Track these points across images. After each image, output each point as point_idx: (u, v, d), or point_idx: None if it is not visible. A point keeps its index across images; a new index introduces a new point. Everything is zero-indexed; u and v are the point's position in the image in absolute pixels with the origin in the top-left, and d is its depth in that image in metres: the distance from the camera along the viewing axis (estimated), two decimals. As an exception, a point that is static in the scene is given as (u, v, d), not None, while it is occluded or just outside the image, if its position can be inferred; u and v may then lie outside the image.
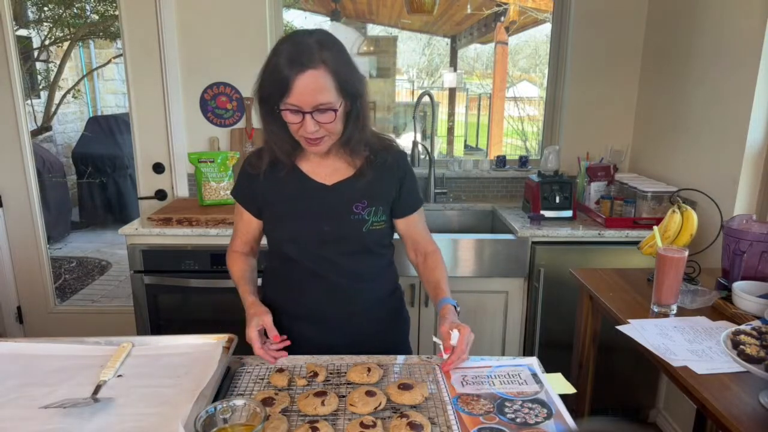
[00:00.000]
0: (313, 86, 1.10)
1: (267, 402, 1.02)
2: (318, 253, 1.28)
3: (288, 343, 1.20)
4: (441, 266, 1.35)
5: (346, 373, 1.14)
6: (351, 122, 1.20)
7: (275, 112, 1.16)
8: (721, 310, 1.45)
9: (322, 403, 1.01)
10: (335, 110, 1.14)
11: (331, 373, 1.15)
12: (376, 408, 1.01)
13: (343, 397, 1.05)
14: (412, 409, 1.01)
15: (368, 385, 1.09)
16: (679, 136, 2.30)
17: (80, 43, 5.12)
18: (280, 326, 1.23)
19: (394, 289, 1.43)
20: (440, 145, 5.80)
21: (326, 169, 1.29)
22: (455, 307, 1.24)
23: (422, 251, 1.38)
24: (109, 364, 1.10)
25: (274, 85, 1.13)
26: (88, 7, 4.50)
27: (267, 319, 1.19)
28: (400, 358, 1.21)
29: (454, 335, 1.13)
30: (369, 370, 1.13)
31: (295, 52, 1.10)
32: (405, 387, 1.05)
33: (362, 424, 0.94)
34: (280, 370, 1.13)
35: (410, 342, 1.48)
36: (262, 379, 1.12)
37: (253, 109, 1.24)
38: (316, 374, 1.13)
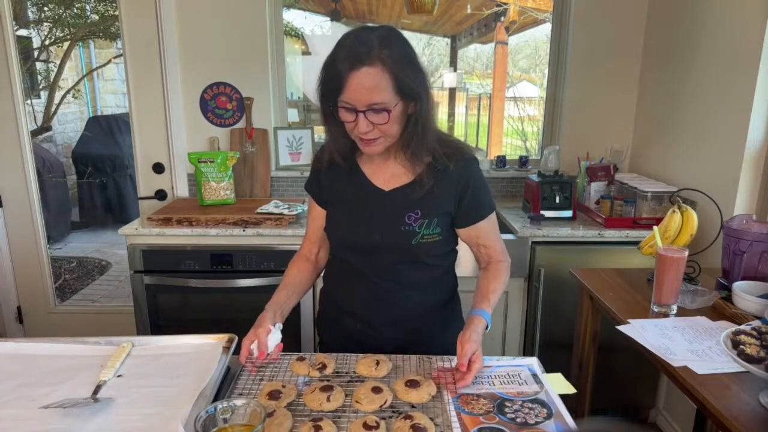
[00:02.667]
0: (367, 84, 1.05)
1: (273, 395, 1.02)
2: (368, 258, 1.26)
3: (273, 358, 1.16)
4: (499, 278, 1.28)
5: (355, 362, 1.15)
6: (410, 125, 1.15)
7: (331, 109, 1.13)
8: (721, 310, 1.45)
9: (328, 399, 1.01)
10: (389, 111, 1.09)
11: (340, 364, 1.16)
12: (381, 406, 1.01)
13: (349, 395, 1.05)
14: (416, 409, 1.01)
15: (375, 380, 1.09)
16: (679, 136, 2.30)
17: (80, 43, 5.12)
18: (333, 318, 1.24)
19: (449, 298, 1.37)
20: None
21: (386, 173, 1.26)
22: (487, 325, 1.18)
23: (485, 259, 1.32)
24: (109, 364, 1.10)
25: (330, 81, 1.09)
26: (88, 7, 4.50)
27: (259, 332, 1.14)
28: (402, 358, 1.20)
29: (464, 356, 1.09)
30: (378, 363, 1.13)
31: (354, 47, 1.06)
32: (412, 384, 1.05)
33: (365, 425, 0.94)
34: (301, 359, 1.15)
35: None
36: (262, 379, 1.12)
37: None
38: (324, 366, 1.13)
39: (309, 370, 1.12)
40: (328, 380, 1.10)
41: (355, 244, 1.27)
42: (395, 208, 1.23)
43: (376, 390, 1.03)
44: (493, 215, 1.31)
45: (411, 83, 1.09)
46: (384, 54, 1.06)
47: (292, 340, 2.16)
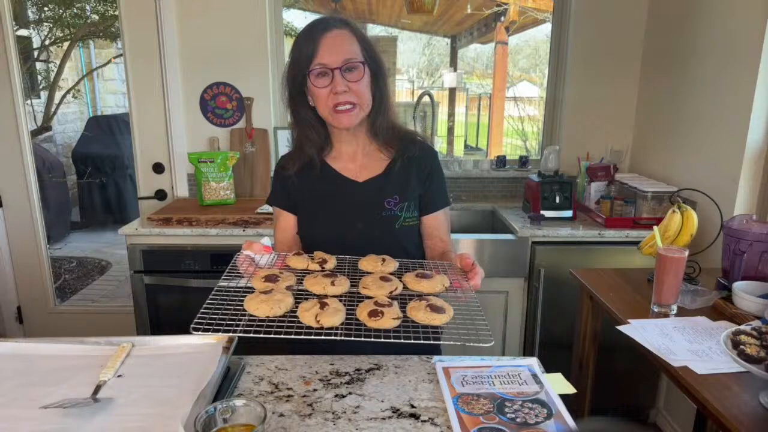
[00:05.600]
0: (339, 41, 1.16)
1: (271, 278, 0.94)
2: (349, 251, 1.25)
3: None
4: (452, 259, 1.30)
5: (357, 262, 1.08)
6: (376, 100, 1.23)
7: (304, 90, 1.19)
8: (721, 310, 1.45)
9: (332, 284, 0.93)
10: (363, 64, 1.17)
11: (341, 262, 1.09)
12: (391, 293, 0.93)
13: (355, 285, 0.97)
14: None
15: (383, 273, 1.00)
16: (679, 136, 2.30)
17: (80, 43, 5.12)
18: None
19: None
20: (440, 145, 5.81)
21: (357, 166, 1.30)
22: None
23: (440, 250, 1.33)
24: (109, 364, 1.10)
25: (301, 53, 1.17)
26: (88, 7, 4.50)
27: (249, 241, 1.14)
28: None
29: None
30: (383, 260, 1.06)
31: (321, 19, 1.19)
32: (423, 276, 0.99)
33: (377, 303, 0.87)
34: (298, 254, 1.09)
35: (441, 349, 1.34)
36: (262, 379, 1.12)
37: (282, 101, 1.32)
38: (325, 261, 1.06)
39: (308, 263, 1.04)
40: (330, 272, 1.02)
41: (337, 238, 1.27)
42: (373, 197, 1.27)
43: (385, 279, 0.96)
44: (448, 209, 1.36)
45: (375, 51, 1.22)
46: (350, 22, 1.21)
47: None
